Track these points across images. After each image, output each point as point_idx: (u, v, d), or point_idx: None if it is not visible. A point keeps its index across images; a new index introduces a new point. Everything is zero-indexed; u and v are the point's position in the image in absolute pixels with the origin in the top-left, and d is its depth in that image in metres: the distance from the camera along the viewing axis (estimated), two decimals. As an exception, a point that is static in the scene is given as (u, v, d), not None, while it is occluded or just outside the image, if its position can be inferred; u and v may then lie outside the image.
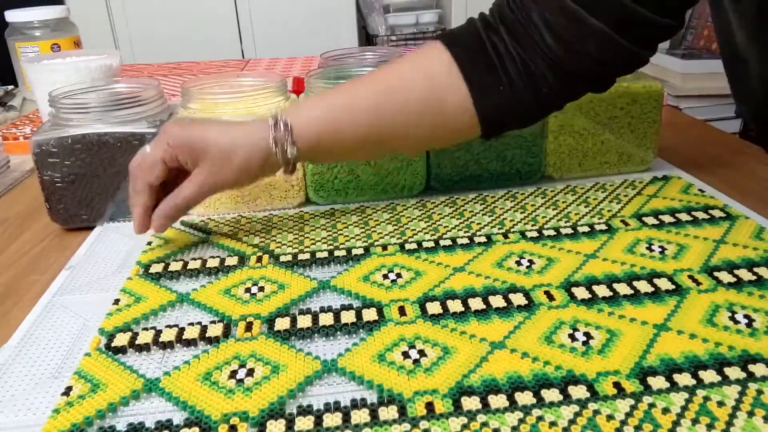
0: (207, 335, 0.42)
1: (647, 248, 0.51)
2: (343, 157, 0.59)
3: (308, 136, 0.51)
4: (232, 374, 0.39)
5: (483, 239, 0.54)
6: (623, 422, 0.33)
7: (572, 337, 0.40)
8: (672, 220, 0.55)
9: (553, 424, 0.33)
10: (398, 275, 0.49)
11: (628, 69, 0.54)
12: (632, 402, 0.34)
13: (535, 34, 0.50)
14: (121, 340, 0.42)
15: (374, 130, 0.52)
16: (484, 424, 0.34)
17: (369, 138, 0.52)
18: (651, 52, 0.52)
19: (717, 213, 0.56)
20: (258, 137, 0.50)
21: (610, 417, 0.33)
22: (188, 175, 0.51)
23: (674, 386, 0.35)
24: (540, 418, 0.34)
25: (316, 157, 0.55)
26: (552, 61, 0.50)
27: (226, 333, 0.43)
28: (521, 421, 0.34)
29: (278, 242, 0.55)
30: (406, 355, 0.39)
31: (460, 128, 0.54)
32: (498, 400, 0.35)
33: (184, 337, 0.42)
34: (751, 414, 0.33)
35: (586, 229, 0.55)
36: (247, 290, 0.48)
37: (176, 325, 0.44)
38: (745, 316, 0.41)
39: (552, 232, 0.54)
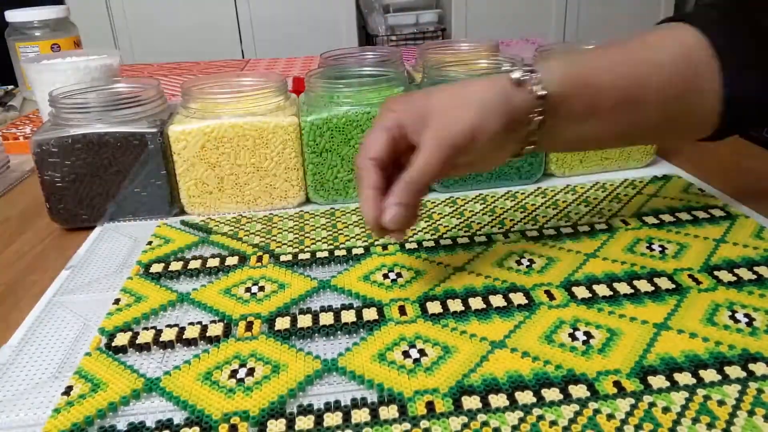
0: (207, 335, 0.42)
1: (647, 247, 0.51)
2: (590, 125, 0.46)
3: (555, 77, 0.43)
4: (233, 374, 0.39)
5: (483, 239, 0.54)
6: (623, 421, 0.33)
7: (572, 337, 0.40)
8: (672, 219, 0.55)
9: (553, 423, 0.33)
10: (398, 275, 0.49)
11: None
12: (632, 401, 0.34)
13: None
14: (122, 339, 0.42)
15: (627, 84, 0.45)
16: (485, 424, 0.34)
17: (620, 91, 0.45)
18: None
19: (717, 212, 0.56)
20: (493, 79, 0.43)
21: (610, 416, 0.34)
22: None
23: (675, 385, 0.36)
24: (540, 418, 0.34)
25: (565, 112, 0.44)
26: None
27: (227, 332, 0.43)
28: (522, 420, 0.34)
29: (278, 242, 0.55)
30: (406, 354, 0.39)
31: (703, 111, 0.47)
32: (498, 400, 0.35)
33: (184, 337, 0.42)
34: (751, 413, 0.33)
35: (587, 228, 0.55)
36: (248, 290, 0.48)
37: (177, 325, 0.44)
38: (746, 315, 0.41)
39: (552, 232, 0.54)
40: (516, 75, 0.43)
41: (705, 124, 0.48)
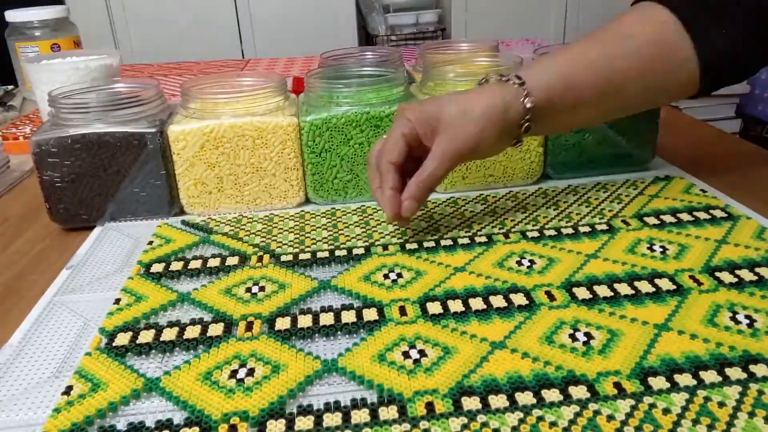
0: (207, 335, 0.42)
1: (648, 248, 0.51)
2: (577, 114, 0.55)
3: (541, 86, 0.51)
4: (233, 374, 0.39)
5: (484, 239, 0.54)
6: (624, 422, 0.33)
7: (573, 338, 0.40)
8: (673, 220, 0.55)
9: (553, 424, 0.33)
10: (399, 275, 0.49)
11: None
12: (633, 402, 0.34)
13: None
14: (122, 339, 0.42)
15: (606, 78, 0.52)
16: (485, 424, 0.33)
17: (601, 86, 0.52)
18: None
19: (718, 213, 0.56)
20: (492, 93, 0.50)
21: (610, 417, 0.33)
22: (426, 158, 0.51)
23: (675, 386, 0.35)
24: (540, 419, 0.34)
25: (552, 112, 0.52)
26: None
27: (227, 332, 0.43)
28: (521, 421, 0.34)
29: (279, 242, 0.55)
30: (406, 355, 0.39)
31: (682, 81, 0.54)
32: (498, 400, 0.35)
33: (184, 337, 0.42)
34: (752, 414, 0.33)
35: (587, 229, 0.55)
36: (248, 290, 0.48)
37: (177, 325, 0.44)
38: (747, 317, 0.41)
39: (553, 232, 0.54)
40: (506, 96, 0.50)
41: (688, 87, 0.55)
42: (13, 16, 1.01)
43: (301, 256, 0.53)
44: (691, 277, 0.46)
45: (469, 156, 0.52)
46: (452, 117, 0.50)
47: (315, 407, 0.36)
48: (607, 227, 0.55)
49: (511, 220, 0.57)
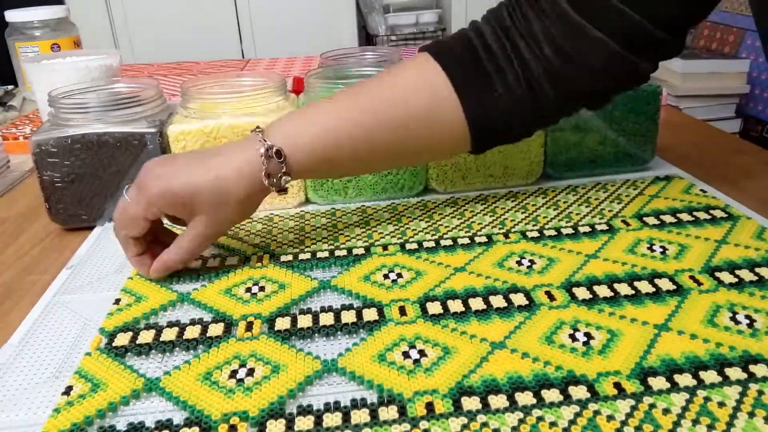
0: (207, 335, 0.42)
1: (648, 248, 0.51)
2: (337, 176, 0.59)
3: (302, 163, 0.48)
4: (233, 374, 0.39)
5: (484, 239, 0.54)
6: (623, 423, 0.33)
7: (573, 338, 0.40)
8: (673, 220, 0.55)
9: (553, 424, 0.33)
10: (399, 275, 0.49)
11: (628, 84, 0.54)
12: (633, 402, 0.34)
13: (534, 45, 0.50)
14: (122, 339, 0.42)
15: (371, 147, 0.50)
16: (484, 425, 0.33)
17: (365, 156, 0.51)
18: (653, 68, 0.51)
19: (718, 213, 0.56)
20: (250, 171, 0.47)
21: (610, 417, 0.33)
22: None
23: (675, 387, 0.35)
24: (540, 419, 0.34)
25: (306, 177, 0.55)
26: (551, 73, 0.50)
27: (227, 333, 0.43)
28: (521, 421, 0.34)
29: (279, 242, 0.55)
30: (406, 355, 0.39)
31: (454, 139, 0.52)
32: (498, 401, 0.35)
33: (184, 337, 0.42)
34: (751, 415, 0.33)
35: (587, 229, 0.55)
36: (248, 290, 0.48)
37: (177, 325, 0.44)
38: (747, 317, 0.41)
39: (553, 232, 0.54)
40: (266, 167, 0.47)
41: (459, 144, 0.53)
42: (13, 16, 1.01)
43: (301, 256, 0.53)
44: (691, 277, 0.46)
45: (224, 233, 0.52)
46: (208, 205, 0.46)
47: (315, 407, 0.36)
48: (607, 227, 0.55)
49: (511, 220, 0.57)
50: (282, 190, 0.49)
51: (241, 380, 0.38)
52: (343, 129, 0.49)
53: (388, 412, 0.35)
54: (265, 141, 0.47)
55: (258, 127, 0.49)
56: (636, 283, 0.46)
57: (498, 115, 0.51)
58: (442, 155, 0.58)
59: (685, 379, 0.36)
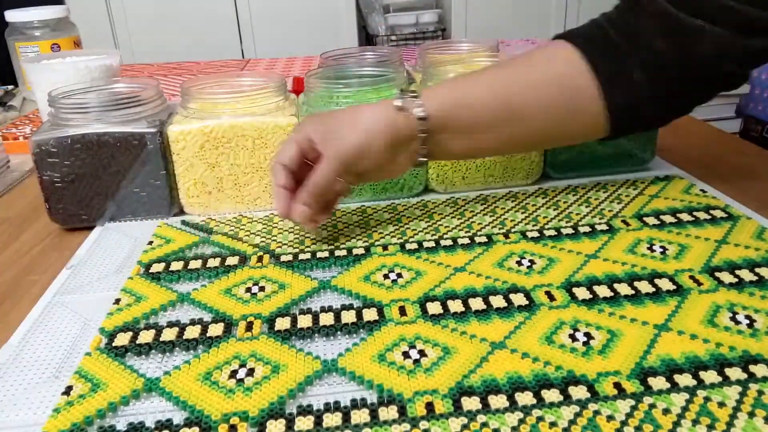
0: (207, 335, 0.42)
1: (648, 248, 0.51)
2: (476, 137, 0.53)
3: (435, 99, 0.51)
4: (233, 374, 0.39)
5: (484, 239, 0.54)
6: (623, 423, 0.33)
7: (573, 338, 0.40)
8: (673, 220, 0.55)
9: (553, 424, 0.33)
10: (399, 275, 0.49)
11: (752, 65, 0.53)
12: (633, 402, 0.34)
13: (650, 39, 0.51)
14: (122, 339, 0.42)
15: (504, 103, 0.51)
16: (484, 425, 0.33)
17: (498, 110, 0.51)
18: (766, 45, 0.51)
19: (718, 213, 0.56)
20: (384, 104, 0.51)
21: (610, 417, 0.33)
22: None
23: (675, 387, 0.35)
24: (540, 419, 0.34)
25: (447, 129, 0.52)
26: (674, 60, 0.51)
27: (227, 333, 0.43)
28: (521, 421, 0.34)
29: (279, 242, 0.55)
30: (406, 355, 0.39)
31: (588, 122, 0.53)
32: (498, 401, 0.35)
33: (184, 337, 0.42)
34: (751, 415, 0.33)
35: (587, 229, 0.55)
36: (248, 290, 0.48)
37: (177, 325, 0.44)
38: (746, 317, 0.41)
39: (553, 232, 0.54)
40: (397, 103, 0.50)
41: (594, 130, 0.54)
42: (13, 16, 1.01)
43: (301, 256, 0.53)
44: (691, 277, 0.46)
45: (356, 163, 0.51)
46: (342, 124, 0.50)
47: (315, 407, 0.36)
48: (607, 227, 0.55)
49: (511, 220, 0.57)
50: (419, 143, 0.51)
51: (241, 380, 0.38)
52: (480, 80, 0.52)
53: (388, 412, 0.35)
54: (402, 91, 0.51)
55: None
56: (636, 283, 0.46)
57: (635, 103, 0.52)
58: (574, 140, 0.59)
59: (685, 379, 0.36)
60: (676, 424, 0.33)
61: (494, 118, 0.52)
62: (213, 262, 0.52)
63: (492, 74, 0.53)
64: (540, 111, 0.52)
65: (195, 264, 0.52)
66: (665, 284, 0.45)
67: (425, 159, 0.53)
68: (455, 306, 0.44)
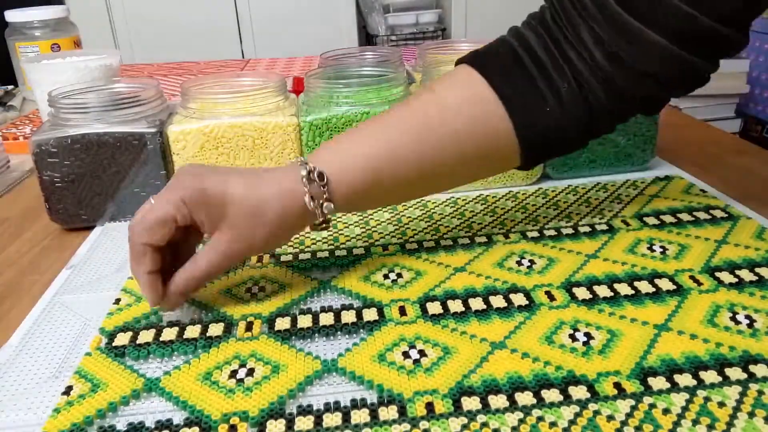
0: (207, 335, 0.42)
1: (648, 248, 0.51)
2: (382, 204, 0.55)
3: (345, 189, 0.45)
4: (233, 374, 0.39)
5: (484, 239, 0.54)
6: (623, 423, 0.33)
7: (573, 338, 0.40)
8: (673, 220, 0.55)
9: (553, 424, 0.33)
10: (399, 275, 0.49)
11: (687, 85, 0.48)
12: (633, 402, 0.34)
13: (584, 52, 0.46)
14: (122, 339, 0.42)
15: (418, 173, 0.47)
16: (484, 425, 0.33)
17: (412, 181, 0.47)
18: (713, 67, 0.46)
19: (718, 213, 0.56)
20: (291, 193, 0.43)
21: (610, 417, 0.33)
22: (198, 232, 0.45)
23: (675, 387, 0.35)
24: (540, 419, 0.34)
25: (351, 209, 0.51)
26: (605, 80, 0.46)
27: (227, 332, 0.43)
28: (521, 421, 0.34)
29: (278, 242, 0.55)
30: (406, 355, 0.39)
31: (503, 156, 0.49)
32: (498, 401, 0.35)
33: (184, 337, 0.42)
34: (751, 415, 0.33)
35: (587, 229, 0.55)
36: (248, 290, 0.48)
37: (177, 325, 0.44)
38: (747, 317, 0.41)
39: (553, 232, 0.54)
40: (308, 189, 0.43)
41: (510, 161, 0.50)
42: (13, 16, 1.01)
43: (301, 256, 0.53)
44: (691, 277, 0.46)
45: (250, 256, 0.48)
46: (239, 218, 0.42)
47: (315, 407, 0.36)
48: (607, 227, 0.55)
49: (511, 220, 0.57)
50: (323, 223, 0.45)
51: (241, 380, 0.38)
52: (388, 147, 0.46)
53: (388, 412, 0.35)
54: (307, 164, 0.44)
55: (300, 158, 0.47)
56: (636, 283, 0.46)
57: (550, 131, 0.48)
58: (491, 173, 0.55)
59: (685, 379, 0.36)
60: (676, 424, 0.33)
61: (406, 188, 0.48)
62: (213, 262, 0.52)
63: (402, 141, 0.46)
64: (456, 166, 0.48)
65: (195, 264, 0.52)
66: (665, 284, 0.45)
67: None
68: (455, 306, 0.44)
